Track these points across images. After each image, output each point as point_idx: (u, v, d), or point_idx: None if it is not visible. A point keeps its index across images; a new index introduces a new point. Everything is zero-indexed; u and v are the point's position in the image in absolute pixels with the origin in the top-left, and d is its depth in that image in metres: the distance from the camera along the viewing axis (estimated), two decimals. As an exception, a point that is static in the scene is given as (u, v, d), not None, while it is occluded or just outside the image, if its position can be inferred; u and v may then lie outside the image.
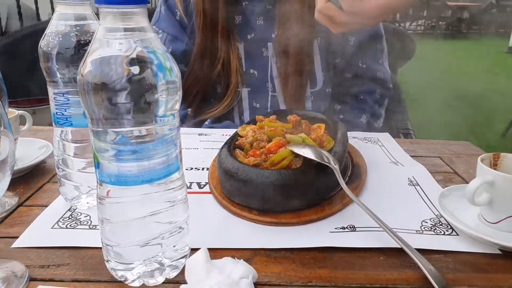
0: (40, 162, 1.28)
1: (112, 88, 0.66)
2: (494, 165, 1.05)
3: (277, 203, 1.05)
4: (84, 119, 0.98)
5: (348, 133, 1.63)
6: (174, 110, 0.74)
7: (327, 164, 1.04)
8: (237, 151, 1.19)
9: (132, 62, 0.67)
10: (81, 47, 0.94)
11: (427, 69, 10.72)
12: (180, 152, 0.79)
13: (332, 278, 0.85)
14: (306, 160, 1.09)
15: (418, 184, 1.26)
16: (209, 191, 1.18)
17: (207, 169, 1.31)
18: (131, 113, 0.68)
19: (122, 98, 0.67)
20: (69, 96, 0.97)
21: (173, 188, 0.77)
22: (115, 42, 0.67)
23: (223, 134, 1.59)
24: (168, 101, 0.71)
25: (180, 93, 0.73)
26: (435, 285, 0.82)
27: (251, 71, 1.83)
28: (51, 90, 0.99)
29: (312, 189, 1.08)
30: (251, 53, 1.83)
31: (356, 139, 1.63)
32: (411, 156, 1.49)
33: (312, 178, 1.06)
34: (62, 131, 1.01)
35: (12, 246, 0.93)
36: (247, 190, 1.05)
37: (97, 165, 0.73)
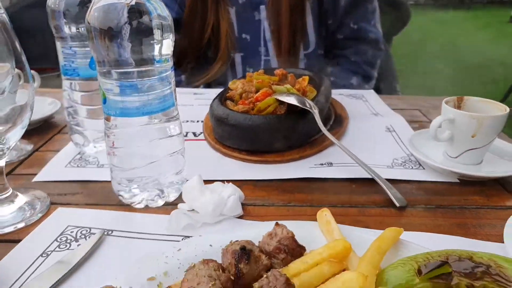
0: (51, 115, 1.41)
1: (115, 32, 0.78)
2: (458, 107, 1.17)
3: (263, 144, 1.18)
4: (89, 70, 1.11)
5: (335, 90, 1.76)
6: (168, 53, 0.86)
7: (308, 109, 1.17)
8: (228, 102, 1.31)
9: (132, 9, 0.79)
10: (84, 4, 1.05)
11: (429, 40, 10.66)
12: (175, 91, 0.91)
13: (308, 200, 0.99)
14: (290, 107, 1.21)
15: (394, 131, 1.39)
16: (203, 138, 1.32)
17: (202, 121, 1.44)
18: (132, 54, 0.80)
19: (124, 41, 0.79)
20: (75, 49, 1.09)
21: (169, 121, 0.90)
22: (115, -9, 0.79)
23: (216, 93, 1.70)
24: (163, 43, 0.83)
25: (172, 37, 0.85)
26: (396, 203, 0.97)
27: (243, 36, 1.92)
28: (59, 45, 1.11)
29: (295, 133, 1.20)
30: (243, 17, 1.89)
31: (342, 95, 1.74)
32: (392, 109, 1.61)
33: (294, 122, 1.19)
34: (71, 83, 1.13)
35: (33, 180, 1.07)
36: (236, 133, 1.18)
37: (104, 100, 0.86)
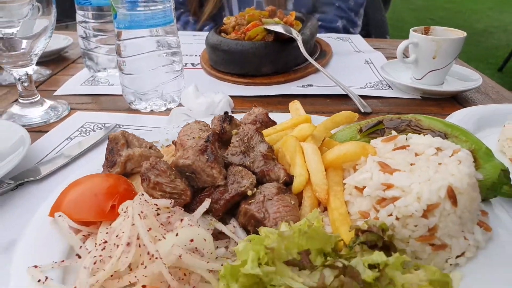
0: (64, 48, 1.59)
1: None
2: (425, 35, 1.32)
3: (252, 68, 1.35)
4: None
5: (324, 34, 1.90)
6: (167, -26, 1.02)
7: (293, 36, 1.33)
8: (222, 34, 1.47)
9: None
10: None
11: (432, 6, 10.52)
12: (174, 9, 1.07)
13: (288, 109, 1.17)
14: (277, 36, 1.37)
15: (372, 63, 1.55)
16: (200, 67, 1.49)
17: (199, 55, 1.61)
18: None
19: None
20: (88, -21, 1.24)
21: (169, 35, 1.07)
22: None
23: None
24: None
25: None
26: (361, 109, 1.14)
27: None
28: (73, -24, 1.27)
29: (281, 58, 1.37)
30: None
31: (330, 38, 1.89)
32: (374, 48, 1.76)
33: (280, 49, 1.35)
34: (85, 13, 1.29)
35: (54, 94, 1.26)
36: (228, 58, 1.35)
37: (115, 16, 1.03)
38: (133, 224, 0.51)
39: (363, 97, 1.23)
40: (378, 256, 0.45)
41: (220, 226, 0.60)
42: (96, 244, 0.54)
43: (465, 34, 1.24)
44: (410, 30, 1.29)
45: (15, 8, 1.03)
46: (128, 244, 0.49)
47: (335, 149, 0.67)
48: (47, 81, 1.37)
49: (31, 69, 1.08)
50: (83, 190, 0.63)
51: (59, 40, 1.62)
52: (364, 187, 0.59)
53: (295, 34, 1.34)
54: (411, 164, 0.60)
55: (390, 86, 1.34)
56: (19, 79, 1.07)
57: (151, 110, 1.14)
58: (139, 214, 0.50)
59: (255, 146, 0.72)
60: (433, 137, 0.70)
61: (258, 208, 0.60)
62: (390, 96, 1.27)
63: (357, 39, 1.89)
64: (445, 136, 0.70)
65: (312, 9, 2.11)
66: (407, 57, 1.29)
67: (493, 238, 0.59)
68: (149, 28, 1.03)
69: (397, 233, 0.55)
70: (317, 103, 1.22)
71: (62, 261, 0.55)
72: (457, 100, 1.24)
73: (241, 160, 0.70)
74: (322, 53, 1.59)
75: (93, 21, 1.30)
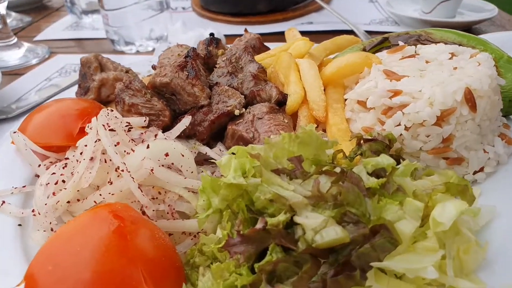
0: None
1: None
2: (435, -37, 1.20)
3: (246, 5, 1.24)
4: None
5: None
6: None
7: (289, -31, 1.22)
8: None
9: None
10: None
11: None
12: None
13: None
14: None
15: (377, 1, 1.43)
16: (191, 10, 1.38)
17: None
18: None
19: None
20: None
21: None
22: None
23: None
24: None
25: None
26: (361, 38, 1.04)
27: None
28: None
29: (277, -6, 1.26)
30: None
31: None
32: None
33: (277, -16, 1.24)
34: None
35: (35, 39, 1.17)
36: (221, -4, 1.25)
37: None
38: (98, 140, 0.44)
39: (369, 33, 1.12)
40: (384, 159, 0.38)
41: (205, 149, 0.53)
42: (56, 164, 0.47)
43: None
44: (419, -43, 1.17)
45: None
46: (91, 159, 0.42)
47: (334, 62, 0.59)
48: (28, 28, 1.28)
49: (3, 7, 0.98)
50: (50, 114, 0.56)
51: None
52: (367, 100, 0.51)
53: (292, -34, 1.22)
54: (421, 71, 0.51)
55: (396, 22, 1.23)
56: (-8, 19, 0.98)
57: (137, 51, 1.05)
58: (103, 125, 0.43)
59: (244, 66, 0.63)
60: (447, 48, 0.61)
61: (247, 127, 0.53)
62: (395, 31, 1.16)
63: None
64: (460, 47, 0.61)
65: None
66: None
67: (516, 153, 0.52)
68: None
69: (406, 145, 0.48)
70: (319, 39, 1.10)
71: (24, 186, 0.48)
72: (471, 33, 1.14)
73: (228, 82, 0.62)
74: (323, -7, 1.47)
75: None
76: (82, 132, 0.53)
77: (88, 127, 0.48)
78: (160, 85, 0.57)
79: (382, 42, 0.68)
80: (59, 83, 0.88)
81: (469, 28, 1.15)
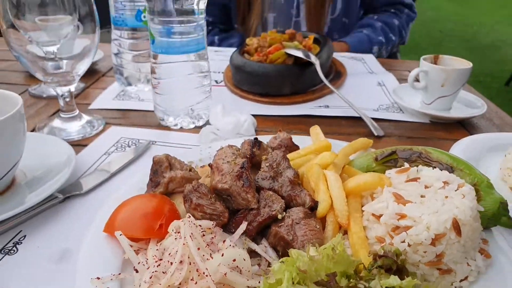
0: (96, 61, 1.69)
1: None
2: (434, 63, 1.41)
3: (273, 89, 1.44)
4: (135, 21, 1.37)
5: (339, 53, 1.99)
6: (202, 8, 1.11)
7: (311, 60, 1.42)
8: (245, 54, 1.57)
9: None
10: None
11: (442, 18, 10.56)
12: (205, 37, 1.17)
13: (307, 130, 1.24)
14: (296, 59, 1.46)
15: (384, 85, 1.64)
16: (224, 84, 1.58)
17: (222, 72, 1.70)
18: (176, 6, 1.06)
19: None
20: (125, 3, 1.34)
21: (201, 60, 1.17)
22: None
23: (232, 51, 1.95)
24: (200, 1, 1.08)
25: (205, -2, 1.10)
26: (374, 132, 1.23)
27: None
28: (111, 0, 1.37)
29: (299, 80, 1.46)
30: None
31: (344, 57, 1.98)
32: (386, 69, 1.84)
33: (299, 71, 1.44)
34: (120, 32, 1.39)
35: (89, 107, 1.36)
36: (251, 79, 1.44)
37: (153, 41, 1.12)
38: (185, 244, 0.60)
39: (376, 120, 1.31)
40: (393, 280, 0.54)
41: (253, 246, 0.69)
42: (147, 259, 0.63)
43: (471, 64, 1.33)
44: (421, 58, 1.38)
45: (57, 27, 1.13)
46: (181, 261, 0.58)
47: (355, 179, 0.76)
48: (81, 94, 1.48)
49: (74, 87, 1.17)
50: (133, 210, 0.72)
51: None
52: (381, 215, 0.68)
53: (313, 58, 1.43)
54: (422, 196, 0.69)
55: (401, 110, 1.42)
56: (62, 95, 1.17)
57: (181, 127, 1.23)
58: (190, 236, 0.60)
59: (282, 171, 0.81)
60: (441, 169, 0.79)
61: (287, 230, 0.69)
62: (401, 119, 1.35)
63: (370, 59, 1.98)
64: (451, 169, 0.79)
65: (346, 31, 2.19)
66: (418, 80, 1.37)
67: (493, 264, 0.68)
68: (184, 54, 1.12)
69: (409, 258, 0.64)
70: (333, 124, 1.31)
71: (119, 274, 0.64)
72: (464, 125, 1.33)
73: (271, 185, 0.79)
74: (337, 74, 1.68)
75: (127, 40, 1.40)
76: (160, 228, 0.69)
77: (172, 230, 0.65)
78: (221, 190, 0.74)
79: (391, 154, 0.86)
80: (119, 158, 1.05)
81: (462, 121, 1.34)
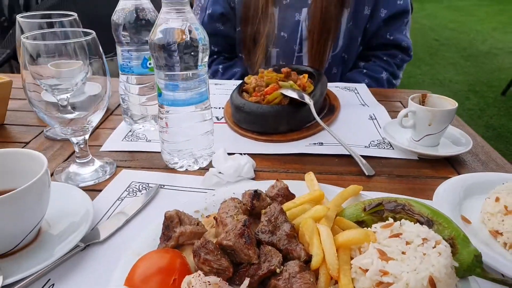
0: (104, 100, 1.79)
1: (170, 49, 1.14)
2: (422, 101, 1.51)
3: (270, 127, 1.55)
4: (141, 68, 1.47)
5: (333, 83, 2.10)
6: (205, 61, 1.22)
7: (305, 101, 1.52)
8: (244, 93, 1.67)
9: (184, 32, 1.14)
10: (140, 20, 1.40)
11: (438, 26, 10.71)
12: (208, 87, 1.27)
13: (302, 169, 1.36)
14: (292, 99, 1.57)
15: (375, 119, 1.74)
16: (224, 121, 1.68)
17: (223, 108, 1.80)
18: (181, 63, 1.16)
19: (176, 54, 1.14)
20: (132, 52, 1.44)
21: (204, 109, 1.27)
22: (172, 20, 1.14)
23: (233, 84, 2.06)
24: (203, 56, 1.18)
25: (208, 51, 1.21)
26: (365, 171, 1.33)
27: (282, 33, 2.17)
28: (118, 48, 1.47)
29: (295, 119, 1.56)
30: (284, 17, 2.11)
31: (338, 88, 2.08)
32: (378, 100, 1.95)
33: (294, 111, 1.55)
34: (127, 77, 1.50)
35: (100, 149, 1.46)
36: (250, 118, 1.54)
37: (159, 94, 1.22)
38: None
39: (367, 157, 1.41)
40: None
41: (256, 297, 0.79)
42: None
43: (456, 105, 1.43)
44: (409, 98, 1.48)
45: (69, 73, 1.22)
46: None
47: (344, 234, 0.86)
48: (93, 135, 1.57)
49: (88, 135, 1.27)
50: (149, 265, 0.82)
51: (95, 89, 1.82)
52: (367, 269, 0.78)
53: (307, 99, 1.53)
54: (403, 253, 0.78)
55: (391, 145, 1.52)
56: (77, 143, 1.27)
57: (186, 169, 1.33)
58: (201, 294, 0.69)
59: (280, 225, 0.90)
60: (422, 222, 0.89)
61: (285, 284, 0.79)
62: (391, 156, 1.45)
63: (362, 89, 2.08)
64: (431, 222, 0.89)
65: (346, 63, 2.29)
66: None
67: (466, 312, 0.78)
68: (190, 106, 1.22)
69: (391, 310, 0.73)
70: (326, 163, 1.41)
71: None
72: (450, 162, 1.43)
73: (270, 238, 0.88)
74: (330, 108, 1.78)
75: (137, 85, 1.50)
76: (174, 283, 0.79)
77: (184, 285, 0.74)
78: (226, 246, 0.84)
79: (377, 205, 0.96)
80: (132, 203, 1.15)
81: (449, 157, 1.44)
